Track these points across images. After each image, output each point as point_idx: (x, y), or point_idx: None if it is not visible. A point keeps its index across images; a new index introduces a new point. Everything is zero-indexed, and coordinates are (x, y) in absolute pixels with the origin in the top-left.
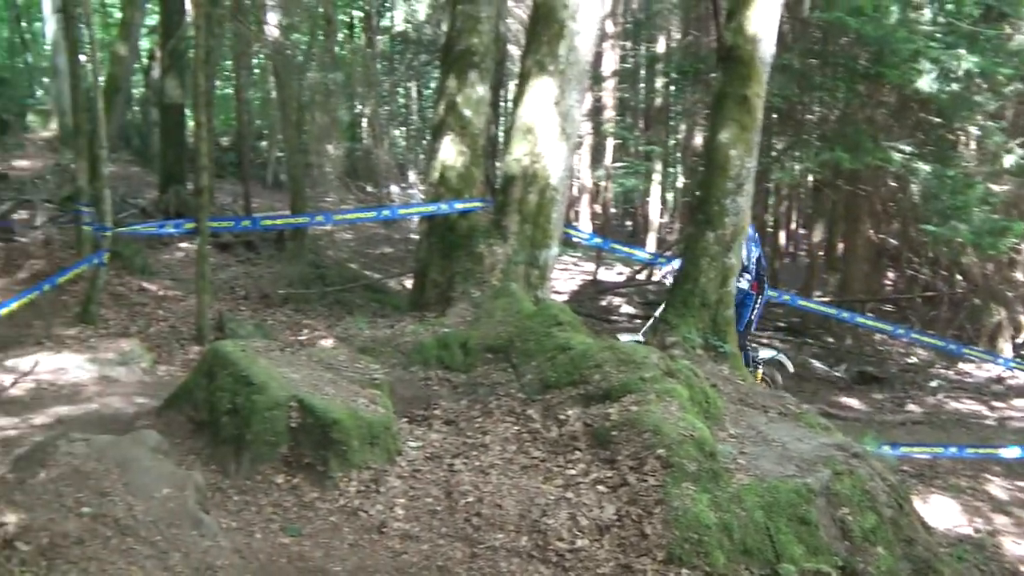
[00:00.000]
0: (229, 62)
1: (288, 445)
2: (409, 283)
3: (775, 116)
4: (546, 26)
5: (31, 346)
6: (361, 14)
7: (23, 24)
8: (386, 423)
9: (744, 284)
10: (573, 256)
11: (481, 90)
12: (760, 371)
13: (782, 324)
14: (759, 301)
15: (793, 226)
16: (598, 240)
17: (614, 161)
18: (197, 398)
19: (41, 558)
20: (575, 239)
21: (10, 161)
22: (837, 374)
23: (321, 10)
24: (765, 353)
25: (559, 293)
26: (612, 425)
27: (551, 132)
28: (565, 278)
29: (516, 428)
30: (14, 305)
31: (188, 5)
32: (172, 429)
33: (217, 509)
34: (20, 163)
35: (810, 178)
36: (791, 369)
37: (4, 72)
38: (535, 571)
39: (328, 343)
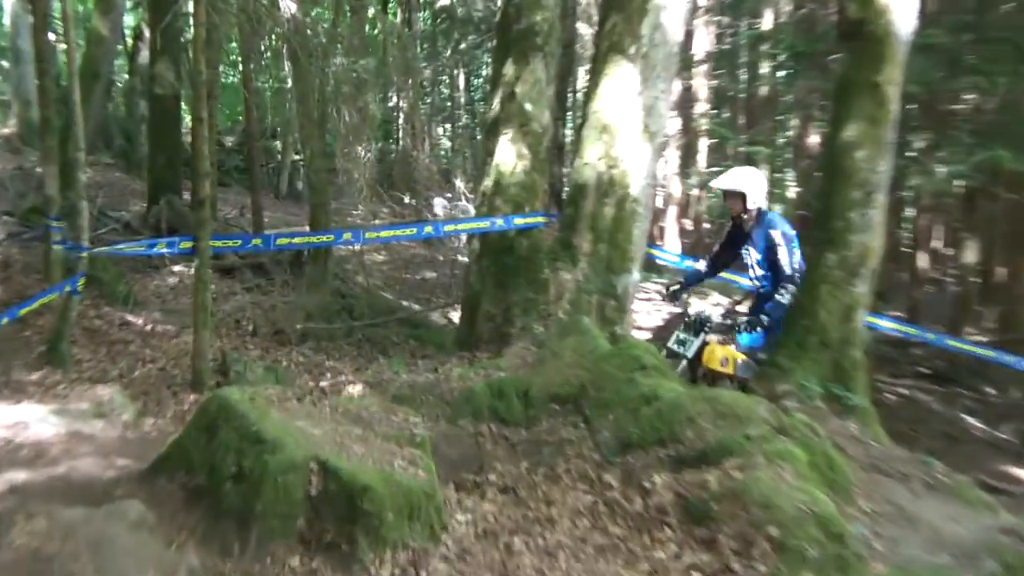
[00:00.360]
0: (235, 44)
1: (306, 518)
2: (455, 316)
3: (914, 107)
4: None
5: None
6: None
7: None
8: (428, 491)
9: (786, 299)
10: (658, 283)
11: (545, 78)
12: None
13: (925, 369)
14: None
15: (938, 245)
16: (691, 264)
17: (709, 165)
18: (193, 459)
19: None
20: (660, 262)
21: None
22: (1001, 435)
23: None
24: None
25: (640, 329)
26: (710, 496)
27: (631, 130)
28: (647, 310)
29: (590, 498)
30: (34, 305)
31: None
32: (160, 499)
33: None
34: None
35: (960, 184)
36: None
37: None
38: None
39: (356, 390)
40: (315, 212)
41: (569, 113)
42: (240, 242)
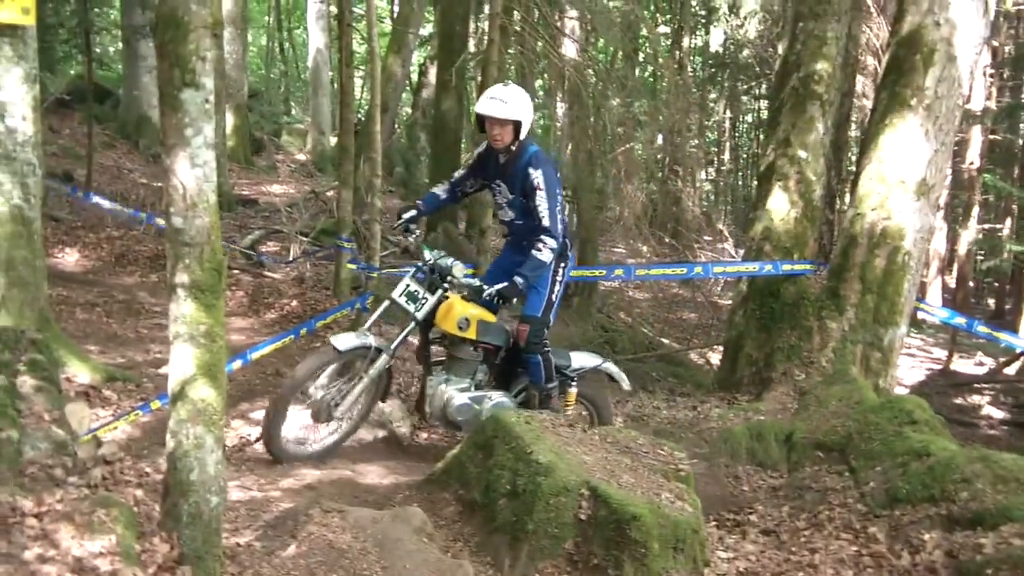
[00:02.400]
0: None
1: (574, 540)
2: (715, 357)
3: None
4: (911, 49)
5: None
6: (668, 30)
7: (283, 33)
8: (694, 525)
9: (545, 255)
10: (917, 338)
11: (821, 127)
12: (573, 392)
13: None
14: (564, 273)
15: None
16: (960, 320)
17: (981, 222)
18: (469, 475)
19: None
20: (925, 316)
21: (261, 186)
22: None
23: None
24: (583, 360)
25: (900, 384)
26: (985, 561)
27: (908, 183)
28: (908, 365)
29: (854, 548)
30: (266, 350)
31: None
32: (437, 508)
33: None
34: (272, 188)
35: None
36: (627, 387)
37: (259, 85)
38: None
39: (617, 422)
40: (584, 247)
41: (843, 163)
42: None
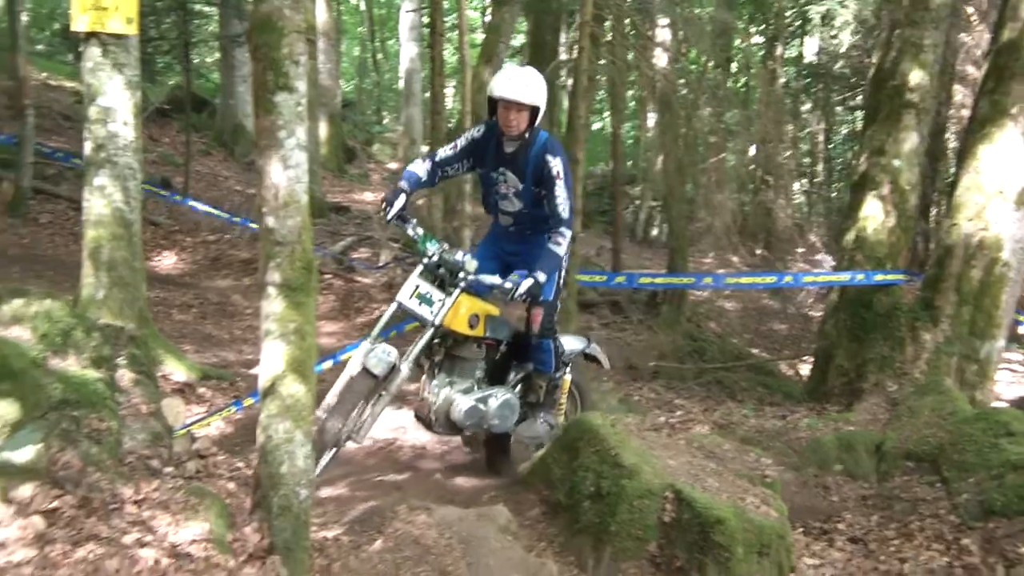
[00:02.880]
0: (601, 92)
1: (658, 543)
2: (804, 368)
3: None
4: (1011, 57)
5: None
6: (762, 39)
7: (376, 43)
8: (780, 531)
9: (562, 249)
10: (1018, 352)
11: (916, 137)
12: (568, 378)
13: None
14: (568, 254)
15: None
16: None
17: None
18: (554, 476)
19: None
20: None
21: (353, 193)
22: None
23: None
24: (572, 344)
25: (1000, 399)
26: None
27: (1007, 193)
28: (1007, 380)
29: (946, 560)
30: (353, 352)
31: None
32: (522, 509)
33: None
34: (364, 196)
35: None
36: (607, 366)
37: (351, 95)
38: None
39: (703, 429)
40: (673, 256)
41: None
42: (605, 278)
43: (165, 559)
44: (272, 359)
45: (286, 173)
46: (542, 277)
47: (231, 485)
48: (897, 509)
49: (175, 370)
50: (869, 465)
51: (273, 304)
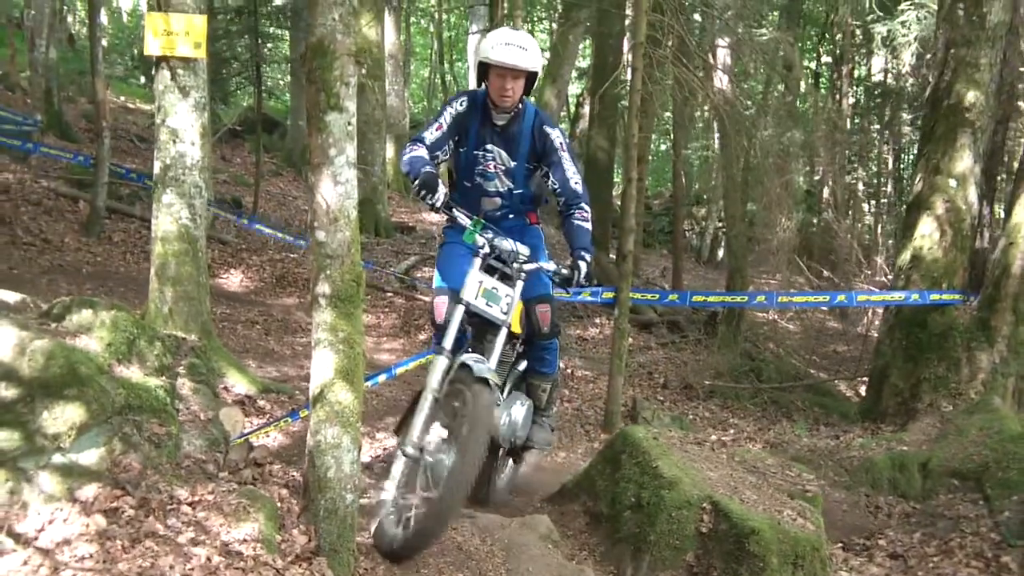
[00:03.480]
0: (669, 114)
1: (695, 553)
2: (862, 388)
3: None
4: None
5: None
6: (830, 60)
7: (445, 66)
8: (815, 543)
9: (589, 225)
10: None
11: (972, 156)
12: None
13: None
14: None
15: None
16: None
17: None
18: (597, 487)
19: None
20: None
21: (418, 213)
22: None
23: (781, 53)
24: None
25: None
26: None
27: None
28: None
29: None
30: (410, 365)
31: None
32: (565, 519)
33: None
34: (428, 216)
35: None
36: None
37: (421, 115)
38: None
39: (756, 447)
40: (732, 276)
41: (997, 191)
42: (658, 296)
43: (217, 557)
44: (322, 367)
45: (336, 189)
46: (589, 257)
47: (284, 491)
48: (939, 526)
49: (237, 382)
50: (919, 484)
51: (323, 314)
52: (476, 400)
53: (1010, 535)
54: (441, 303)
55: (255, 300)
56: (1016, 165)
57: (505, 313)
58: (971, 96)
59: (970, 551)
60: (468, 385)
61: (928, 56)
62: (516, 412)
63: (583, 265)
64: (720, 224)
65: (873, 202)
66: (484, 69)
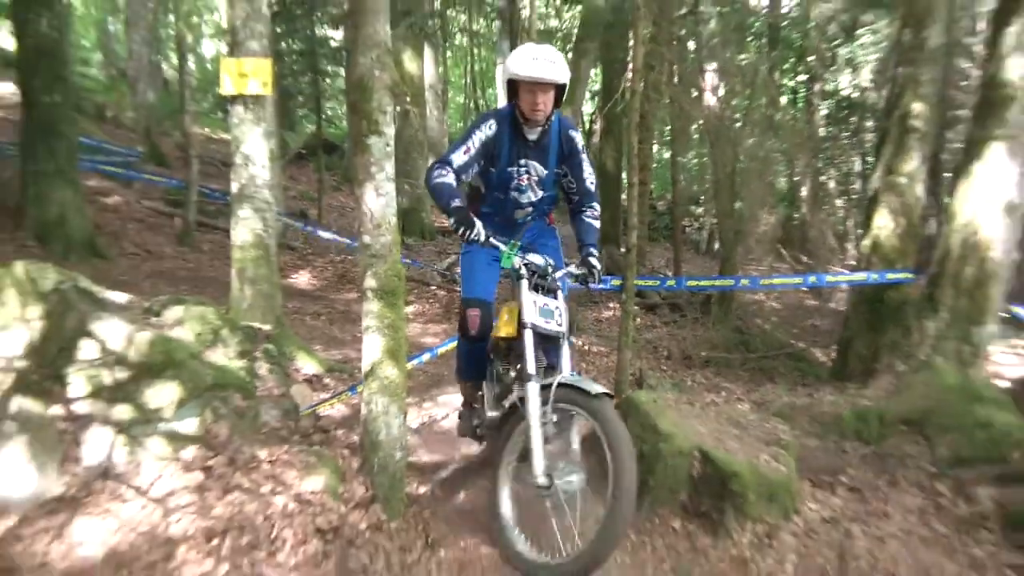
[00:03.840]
0: (669, 127)
1: (687, 493)
2: (834, 355)
3: None
4: (996, 89)
5: None
6: (805, 78)
7: (477, 92)
8: (786, 482)
9: (599, 220)
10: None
11: (919, 157)
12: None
13: None
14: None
15: None
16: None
17: None
18: None
19: (458, 564)
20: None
21: None
22: None
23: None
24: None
25: (1003, 379)
26: None
27: (995, 203)
28: (1011, 363)
29: (921, 501)
30: (450, 346)
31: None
32: None
33: None
34: None
35: None
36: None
37: (457, 135)
38: None
39: (744, 407)
40: (723, 264)
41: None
42: (658, 282)
43: (292, 504)
44: (372, 348)
45: (378, 200)
46: (597, 252)
47: (345, 452)
48: (889, 463)
49: (306, 364)
50: (876, 431)
51: (371, 304)
52: (607, 415)
53: (944, 467)
54: (475, 315)
55: (320, 296)
56: (955, 165)
57: (560, 325)
58: (917, 107)
59: (912, 481)
60: (585, 404)
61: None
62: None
63: (595, 263)
64: (714, 220)
65: (844, 198)
66: (514, 86)
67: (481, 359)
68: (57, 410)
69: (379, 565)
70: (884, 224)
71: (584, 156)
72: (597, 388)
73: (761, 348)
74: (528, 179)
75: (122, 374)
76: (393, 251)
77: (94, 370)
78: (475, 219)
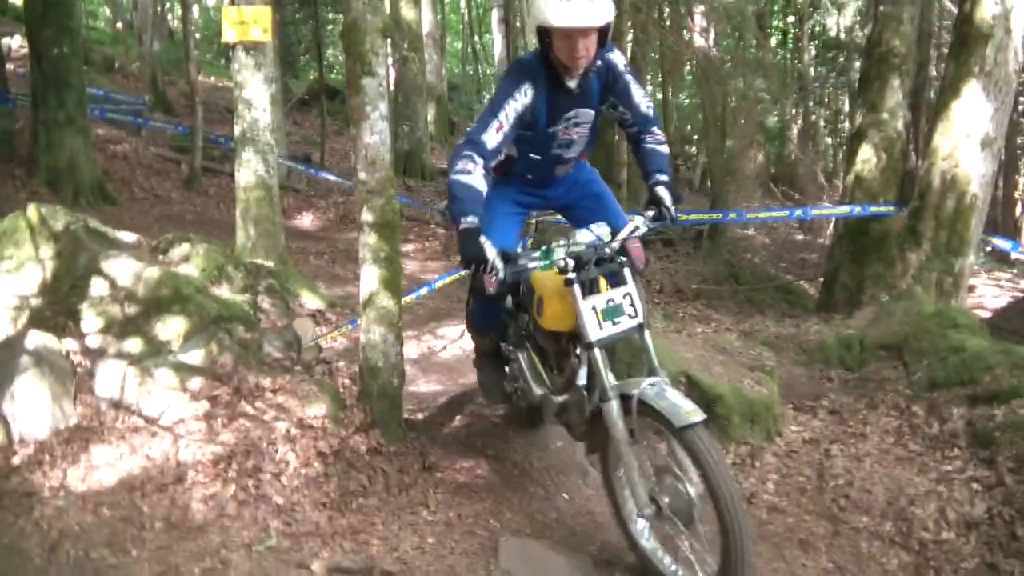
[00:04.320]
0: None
1: None
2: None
3: None
4: (973, 25)
5: (459, 318)
6: (794, 19)
7: (475, 37)
8: (768, 404)
9: (665, 144)
10: (1008, 272)
11: (900, 94)
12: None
13: None
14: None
15: None
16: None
17: None
18: None
19: (454, 485)
20: (1005, 252)
21: None
22: None
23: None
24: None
25: (984, 309)
26: (996, 427)
27: (973, 137)
28: (993, 295)
29: (897, 422)
30: (447, 280)
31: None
32: None
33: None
34: None
35: None
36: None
37: (457, 79)
38: (895, 556)
39: (732, 336)
40: (714, 200)
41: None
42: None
43: (294, 429)
44: (369, 280)
45: (372, 138)
46: (667, 178)
47: (346, 381)
48: (868, 388)
49: (309, 300)
50: (857, 358)
51: (368, 238)
52: (705, 446)
53: (919, 390)
54: (490, 277)
55: (323, 236)
56: (934, 100)
57: (636, 315)
58: (897, 44)
59: (889, 404)
60: (680, 432)
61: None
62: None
63: (666, 195)
64: (706, 159)
65: (832, 138)
66: (545, 33)
67: (499, 311)
68: (71, 344)
69: (378, 486)
70: (867, 159)
71: (631, 78)
72: (687, 415)
73: (751, 281)
74: (576, 132)
75: (132, 309)
76: (388, 187)
77: (105, 306)
78: (485, 248)
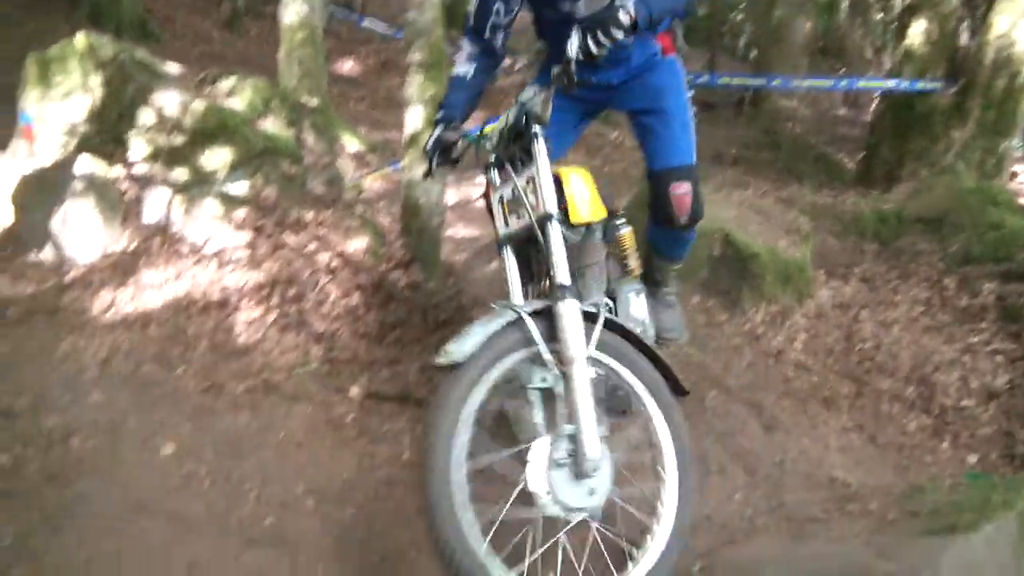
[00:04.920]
0: None
1: (708, 271)
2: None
3: None
4: None
5: None
6: None
7: None
8: (801, 266)
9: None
10: None
11: None
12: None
13: None
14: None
15: None
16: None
17: None
18: (635, 219)
19: None
20: None
21: None
22: None
23: None
24: None
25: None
26: None
27: None
28: None
29: (928, 293)
30: (489, 127)
31: None
32: None
33: None
34: None
35: None
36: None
37: None
38: (915, 418)
39: (769, 201)
40: (758, 67)
41: None
42: (691, 78)
43: (335, 261)
44: (413, 119)
45: None
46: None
47: (387, 220)
48: (902, 259)
49: (350, 143)
50: (894, 231)
51: (414, 77)
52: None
53: (953, 264)
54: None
55: (364, 82)
56: None
57: (538, 206)
58: None
59: (922, 276)
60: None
61: None
62: (637, 310)
63: (571, 45)
64: (752, 28)
65: (883, 13)
66: None
67: None
68: (119, 171)
69: (415, 320)
70: (917, 34)
71: None
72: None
73: (791, 150)
74: None
75: (178, 139)
76: (435, 28)
77: (152, 135)
78: (436, 130)
